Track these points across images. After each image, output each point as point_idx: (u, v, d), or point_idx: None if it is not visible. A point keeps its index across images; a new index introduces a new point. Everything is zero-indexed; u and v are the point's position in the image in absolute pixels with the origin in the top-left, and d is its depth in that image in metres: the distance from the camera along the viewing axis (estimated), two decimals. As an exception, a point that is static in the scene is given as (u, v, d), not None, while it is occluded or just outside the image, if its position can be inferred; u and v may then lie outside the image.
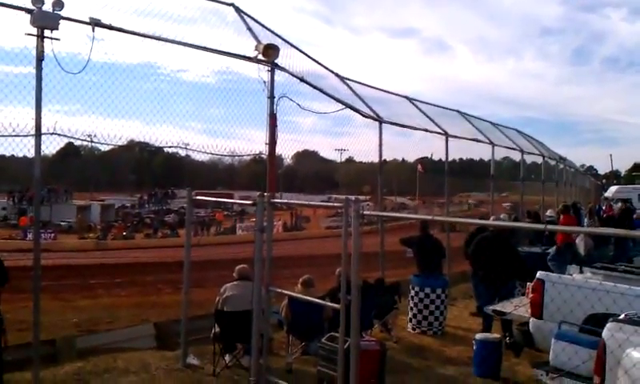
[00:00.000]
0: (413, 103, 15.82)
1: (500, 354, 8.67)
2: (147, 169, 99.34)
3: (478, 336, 8.86)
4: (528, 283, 9.30)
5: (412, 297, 11.35)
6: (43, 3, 6.96)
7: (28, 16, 6.97)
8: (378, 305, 10.21)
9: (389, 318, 10.57)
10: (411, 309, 11.34)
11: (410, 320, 11.34)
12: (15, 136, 7.49)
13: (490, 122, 20.73)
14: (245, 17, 10.12)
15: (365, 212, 6.82)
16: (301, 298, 8.74)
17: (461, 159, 21.96)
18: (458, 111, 18.24)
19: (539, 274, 8.81)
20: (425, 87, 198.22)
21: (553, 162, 28.03)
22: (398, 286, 11.15)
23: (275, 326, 9.62)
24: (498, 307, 9.65)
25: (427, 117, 15.62)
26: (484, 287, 10.66)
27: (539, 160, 24.99)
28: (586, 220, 22.36)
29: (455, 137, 16.23)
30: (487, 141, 18.34)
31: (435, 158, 21.45)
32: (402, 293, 11.15)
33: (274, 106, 9.89)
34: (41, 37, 7.02)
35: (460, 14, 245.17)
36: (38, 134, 7.28)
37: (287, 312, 9.23)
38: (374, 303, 9.91)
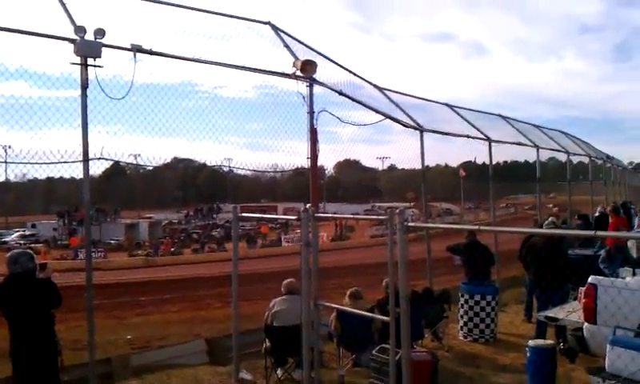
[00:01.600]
0: (454, 110, 15.71)
1: (554, 361, 8.49)
2: (192, 184, 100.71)
3: (531, 343, 8.68)
4: (580, 288, 9.11)
5: (462, 305, 11.24)
6: (85, 32, 7.15)
7: (71, 45, 7.17)
8: (428, 314, 10.16)
9: (439, 327, 10.50)
10: (462, 317, 11.24)
11: (461, 328, 11.23)
12: (64, 162, 7.72)
13: (534, 125, 20.46)
14: (281, 34, 10.24)
15: (410, 223, 6.80)
16: (349, 311, 8.74)
17: (505, 162, 21.69)
18: (499, 115, 18.02)
19: (591, 278, 8.63)
20: (465, 91, 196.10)
21: (600, 162, 27.48)
22: (447, 295, 11.06)
23: (325, 339, 9.65)
24: (551, 313, 9.48)
25: (469, 122, 15.47)
26: (538, 292, 10.52)
27: (586, 160, 24.55)
28: (636, 220, 21.74)
29: (498, 142, 16.03)
30: (531, 144, 18.09)
31: (479, 161, 21.18)
32: (451, 301, 11.05)
33: (314, 121, 9.95)
34: (84, 65, 7.22)
35: (497, 17, 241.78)
36: (86, 160, 7.48)
37: (336, 324, 9.24)
38: (423, 313, 9.87)
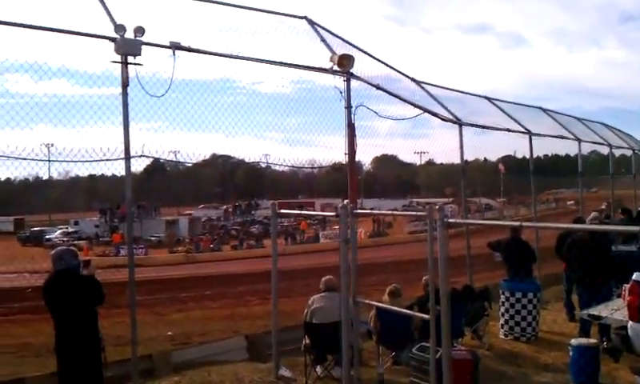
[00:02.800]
0: (493, 103, 15.47)
1: (598, 360, 8.32)
2: (230, 181, 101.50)
3: (574, 341, 8.53)
4: (624, 285, 8.86)
5: (503, 302, 11.07)
6: (125, 31, 7.22)
7: (112, 44, 7.25)
8: (468, 312, 10.03)
9: (480, 325, 10.36)
10: (502, 315, 11.07)
11: (502, 326, 11.06)
12: (106, 160, 7.83)
13: (575, 117, 20.01)
14: (318, 28, 10.19)
15: (450, 219, 6.70)
16: (389, 309, 8.68)
17: (545, 156, 21.28)
18: (540, 108, 17.69)
19: (636, 275, 8.38)
20: (503, 83, 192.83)
21: (644, 154, 26.81)
22: (487, 292, 10.90)
23: (364, 336, 9.59)
24: (595, 311, 9.26)
25: (508, 115, 15.21)
26: (581, 290, 10.31)
27: (629, 153, 23.94)
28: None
29: (539, 135, 15.72)
30: (573, 137, 17.71)
31: (518, 155, 20.85)
32: (491, 298, 10.89)
33: (352, 116, 9.88)
34: (125, 63, 7.30)
35: (535, 6, 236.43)
36: (128, 157, 7.57)
37: (376, 322, 9.18)
38: (463, 311, 9.74)
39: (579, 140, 17.95)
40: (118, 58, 7.28)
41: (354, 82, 9.93)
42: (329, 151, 10.63)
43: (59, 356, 6.74)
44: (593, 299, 9.72)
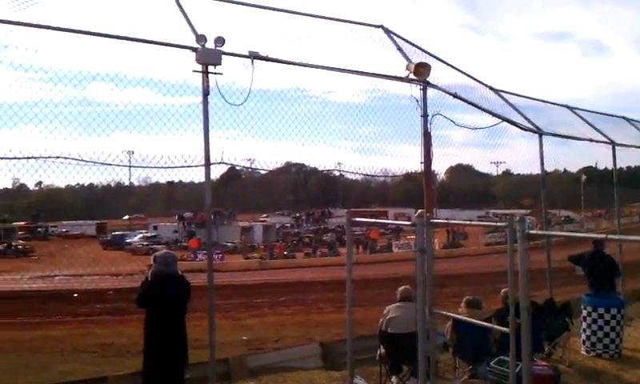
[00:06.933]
0: (574, 112, 14.98)
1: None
2: (304, 189, 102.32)
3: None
4: None
5: (584, 317, 10.72)
6: (206, 41, 7.39)
7: (192, 54, 7.43)
8: (550, 327, 9.75)
9: (560, 340, 10.04)
10: (584, 330, 10.72)
11: (584, 342, 10.71)
12: (187, 167, 8.06)
13: (662, 127, 19.12)
14: (394, 37, 10.13)
15: (532, 231, 6.52)
16: (466, 320, 8.52)
17: (629, 167, 20.44)
18: (624, 117, 17.00)
19: None
20: (585, 92, 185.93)
21: None
22: (569, 307, 10.57)
23: (441, 348, 9.45)
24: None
25: (590, 125, 14.70)
26: None
27: None
28: None
29: (623, 145, 15.12)
30: (660, 148, 16.92)
31: (600, 167, 20.09)
32: (573, 313, 10.55)
33: (428, 124, 9.77)
34: (205, 72, 7.47)
35: (618, 13, 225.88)
36: (208, 164, 7.74)
37: (452, 334, 9.04)
38: (544, 325, 9.47)
39: (666, 151, 17.14)
40: (199, 67, 7.45)
41: (429, 91, 9.83)
42: (402, 160, 10.57)
43: (149, 355, 6.94)
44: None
